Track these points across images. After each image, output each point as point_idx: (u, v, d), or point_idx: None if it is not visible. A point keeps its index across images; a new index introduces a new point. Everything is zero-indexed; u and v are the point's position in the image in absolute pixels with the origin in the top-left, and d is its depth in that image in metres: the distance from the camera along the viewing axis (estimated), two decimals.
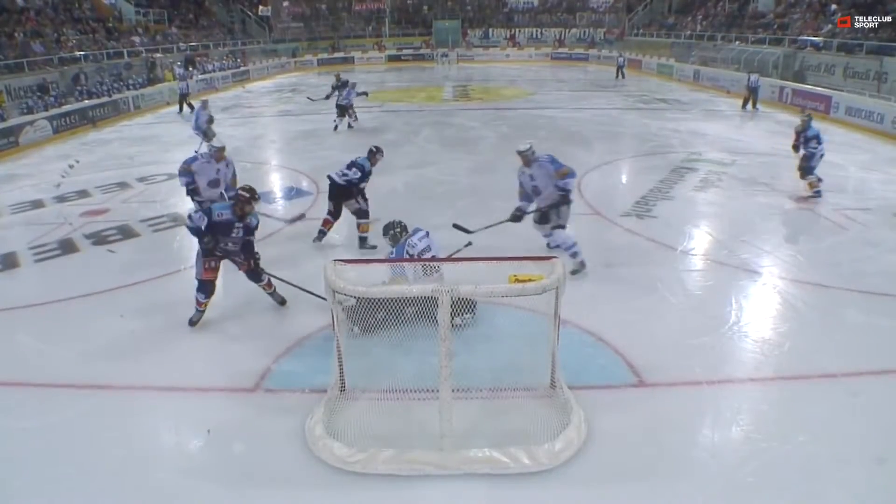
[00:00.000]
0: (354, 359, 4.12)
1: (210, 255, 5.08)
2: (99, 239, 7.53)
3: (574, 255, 5.91)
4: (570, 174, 5.74)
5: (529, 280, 3.63)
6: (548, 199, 5.88)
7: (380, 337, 4.09)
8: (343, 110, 14.05)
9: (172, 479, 3.52)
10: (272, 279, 5.41)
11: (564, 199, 5.82)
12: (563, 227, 5.93)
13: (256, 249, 5.26)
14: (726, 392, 4.22)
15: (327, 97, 15.07)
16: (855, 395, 4.16)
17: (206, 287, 5.13)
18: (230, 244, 5.10)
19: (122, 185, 10.06)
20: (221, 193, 6.68)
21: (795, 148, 8.62)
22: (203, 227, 4.92)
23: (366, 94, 14.87)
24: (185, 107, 17.95)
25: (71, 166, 11.29)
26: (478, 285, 3.43)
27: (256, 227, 5.20)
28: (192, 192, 6.64)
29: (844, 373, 4.38)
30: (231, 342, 5.00)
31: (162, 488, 3.46)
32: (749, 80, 16.58)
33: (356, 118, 14.53)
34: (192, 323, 5.18)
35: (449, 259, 4.98)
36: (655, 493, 3.36)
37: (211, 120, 11.82)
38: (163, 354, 4.82)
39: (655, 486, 3.40)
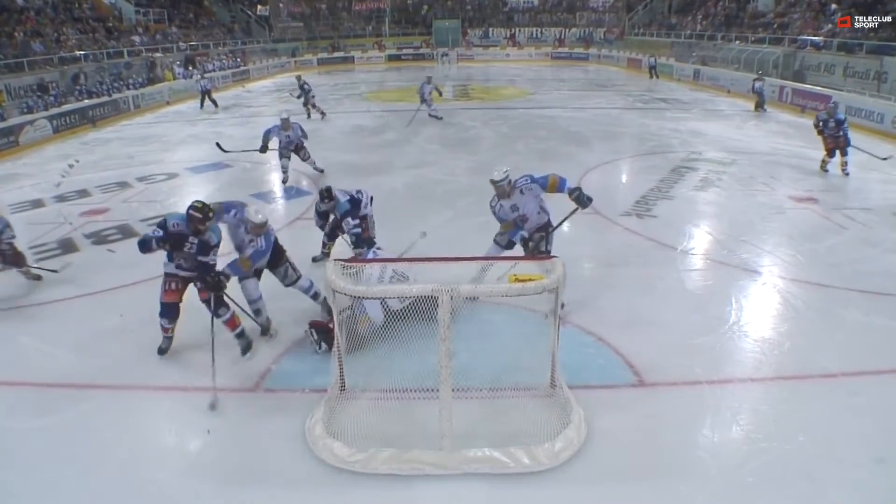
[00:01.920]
0: (354, 359, 4.13)
1: (172, 276, 4.68)
2: (99, 239, 7.53)
3: None
4: (562, 180, 5.02)
5: (529, 280, 3.64)
6: (535, 224, 5.22)
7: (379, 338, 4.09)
8: (422, 101, 15.09)
9: (172, 479, 3.52)
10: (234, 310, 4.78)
11: (548, 224, 5.21)
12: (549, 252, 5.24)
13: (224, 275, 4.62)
14: (726, 392, 4.22)
15: (298, 97, 16.22)
16: (855, 395, 4.16)
17: (167, 310, 4.69)
18: (183, 261, 4.63)
19: (122, 185, 10.06)
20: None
21: (821, 132, 9.73)
22: (152, 240, 4.50)
23: (440, 93, 15.43)
24: (208, 102, 18.83)
25: (71, 166, 11.29)
26: (478, 285, 3.43)
27: (217, 246, 4.58)
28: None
29: (844, 373, 4.38)
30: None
31: (162, 488, 3.46)
32: (754, 86, 16.47)
33: (433, 110, 15.28)
34: (162, 351, 4.78)
35: (449, 259, 4.97)
36: (655, 493, 3.36)
37: (304, 136, 10.16)
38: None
39: (655, 486, 3.40)
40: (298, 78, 16.82)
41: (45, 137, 14.44)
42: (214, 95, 19.43)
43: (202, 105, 18.83)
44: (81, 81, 17.82)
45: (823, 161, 9.89)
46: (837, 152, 9.58)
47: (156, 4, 28.40)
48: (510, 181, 5.05)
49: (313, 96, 16.14)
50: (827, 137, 9.59)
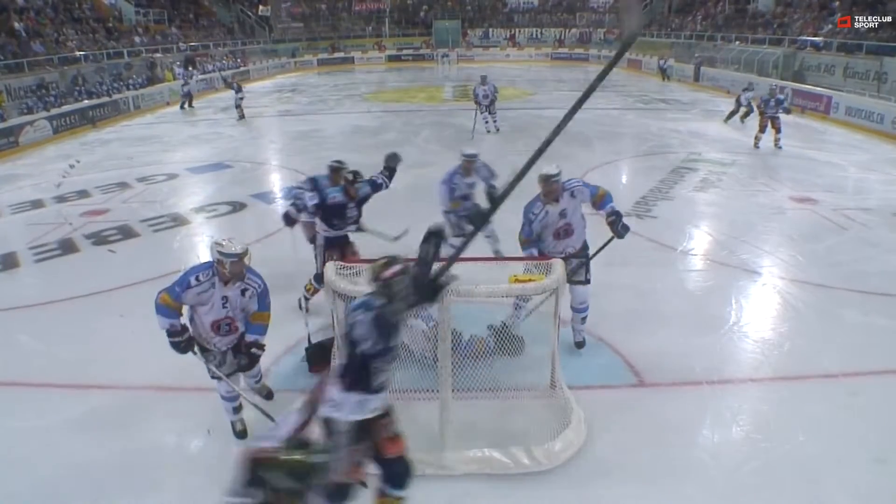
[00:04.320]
0: None
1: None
2: (99, 239, 7.53)
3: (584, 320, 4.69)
4: (609, 195, 4.38)
5: (529, 280, 3.64)
6: (579, 241, 4.54)
7: None
8: (489, 108, 13.46)
9: (172, 479, 3.52)
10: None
11: (585, 247, 4.50)
12: (589, 280, 4.60)
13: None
14: (726, 392, 4.22)
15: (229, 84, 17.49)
16: (855, 395, 4.16)
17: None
18: (349, 223, 4.89)
19: (122, 185, 10.06)
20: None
21: (763, 112, 11.44)
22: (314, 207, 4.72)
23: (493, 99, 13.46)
24: (188, 106, 19.04)
25: (71, 166, 11.30)
26: (478, 285, 3.44)
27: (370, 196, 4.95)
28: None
29: (844, 373, 4.38)
30: None
31: (162, 488, 3.46)
32: (740, 97, 14.06)
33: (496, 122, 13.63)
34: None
35: (450, 259, 4.97)
36: (655, 493, 3.36)
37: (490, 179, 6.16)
38: (163, 354, 4.78)
39: (655, 487, 3.40)
40: (233, 78, 17.56)
41: (44, 138, 14.44)
42: (214, 96, 19.73)
43: (182, 107, 18.96)
44: (80, 83, 17.80)
45: (757, 138, 11.55)
46: (772, 130, 11.34)
47: (156, 4, 28.38)
48: (558, 181, 4.32)
49: (241, 98, 16.54)
50: (766, 115, 11.33)
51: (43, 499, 3.43)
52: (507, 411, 3.87)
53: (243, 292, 3.55)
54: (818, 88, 16.10)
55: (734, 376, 4.40)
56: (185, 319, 3.59)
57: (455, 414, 3.52)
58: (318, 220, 4.99)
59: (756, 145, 11.53)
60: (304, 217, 5.13)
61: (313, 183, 5.37)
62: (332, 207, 4.87)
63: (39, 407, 4.21)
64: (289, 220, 5.12)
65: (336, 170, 5.29)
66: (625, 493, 3.36)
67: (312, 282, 5.20)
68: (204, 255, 7.07)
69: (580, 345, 4.71)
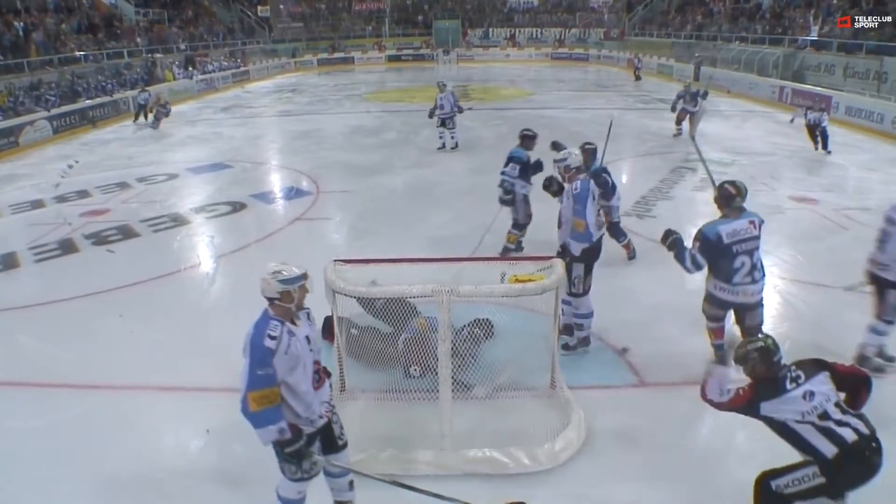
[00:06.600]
0: (354, 359, 4.12)
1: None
2: (99, 239, 7.53)
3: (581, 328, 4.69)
4: (583, 235, 4.43)
5: (529, 280, 3.64)
6: (562, 240, 4.63)
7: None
8: (445, 122, 11.86)
9: (172, 479, 3.52)
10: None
11: (571, 255, 4.46)
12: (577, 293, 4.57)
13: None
14: None
15: (160, 109, 16.06)
16: None
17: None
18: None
19: (122, 185, 10.06)
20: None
21: (673, 107, 12.45)
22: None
23: (459, 108, 12.11)
24: (142, 117, 16.80)
25: (70, 166, 11.28)
26: (478, 285, 3.43)
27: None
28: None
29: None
30: (231, 342, 4.98)
31: (162, 488, 3.46)
32: (808, 117, 11.37)
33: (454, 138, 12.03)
34: None
35: (450, 259, 4.97)
36: (655, 492, 3.36)
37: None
38: (163, 354, 4.81)
39: (655, 486, 3.40)
40: (159, 99, 16.58)
41: (44, 138, 14.43)
42: (214, 96, 19.36)
43: (136, 119, 16.54)
44: (74, 81, 17.70)
45: (677, 130, 12.57)
46: (688, 123, 12.20)
47: (156, 4, 28.38)
48: (569, 167, 4.52)
49: (166, 114, 15.99)
50: (683, 110, 12.19)
51: (43, 499, 3.42)
52: (507, 411, 3.87)
53: (308, 316, 2.85)
54: (818, 88, 16.09)
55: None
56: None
57: (455, 414, 3.51)
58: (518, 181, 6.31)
59: (677, 134, 12.53)
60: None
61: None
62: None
63: (39, 407, 4.21)
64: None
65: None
66: (625, 493, 3.36)
67: (513, 231, 6.38)
68: (203, 254, 7.09)
69: (565, 347, 4.61)
